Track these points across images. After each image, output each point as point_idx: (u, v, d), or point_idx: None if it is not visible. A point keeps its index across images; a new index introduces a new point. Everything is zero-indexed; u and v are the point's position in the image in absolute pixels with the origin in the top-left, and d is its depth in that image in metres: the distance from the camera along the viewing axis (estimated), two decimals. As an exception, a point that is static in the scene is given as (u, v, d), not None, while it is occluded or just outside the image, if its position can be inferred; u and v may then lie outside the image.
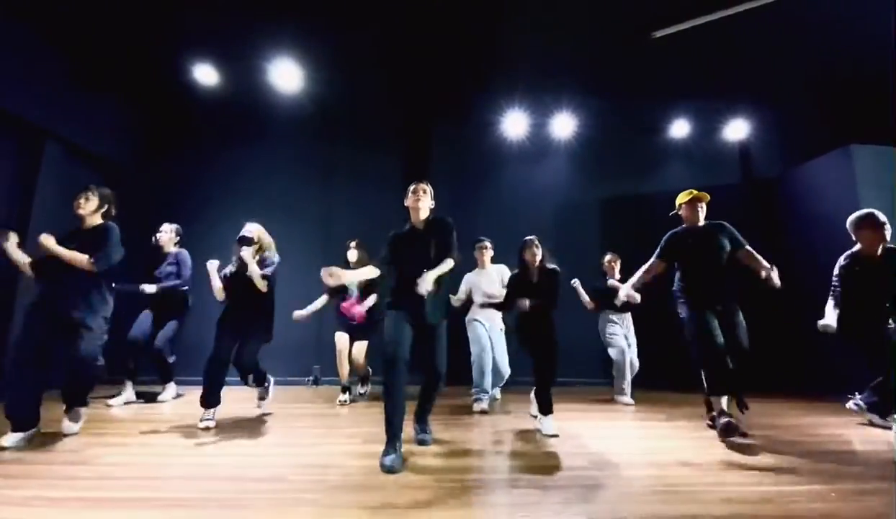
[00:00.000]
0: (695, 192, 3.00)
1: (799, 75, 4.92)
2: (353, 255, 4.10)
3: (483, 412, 3.58)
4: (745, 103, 5.46)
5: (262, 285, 3.10)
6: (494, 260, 4.15)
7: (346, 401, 3.91)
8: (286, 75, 4.70)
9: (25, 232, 3.99)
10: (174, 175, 5.28)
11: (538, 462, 2.24)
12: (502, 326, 4.06)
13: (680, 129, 5.69)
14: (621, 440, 2.75)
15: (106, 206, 2.89)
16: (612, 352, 4.26)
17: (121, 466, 2.12)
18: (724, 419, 2.70)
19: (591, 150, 5.72)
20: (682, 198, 3.06)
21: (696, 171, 5.77)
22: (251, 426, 3.00)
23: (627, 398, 4.13)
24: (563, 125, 5.54)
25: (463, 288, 4.10)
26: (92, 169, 4.79)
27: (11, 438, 2.39)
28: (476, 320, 4.02)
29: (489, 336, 3.96)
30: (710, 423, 2.97)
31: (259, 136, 5.52)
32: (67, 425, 2.66)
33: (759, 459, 2.28)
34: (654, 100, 5.40)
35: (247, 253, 3.10)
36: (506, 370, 3.93)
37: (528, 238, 3.16)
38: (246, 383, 3.39)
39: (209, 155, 5.45)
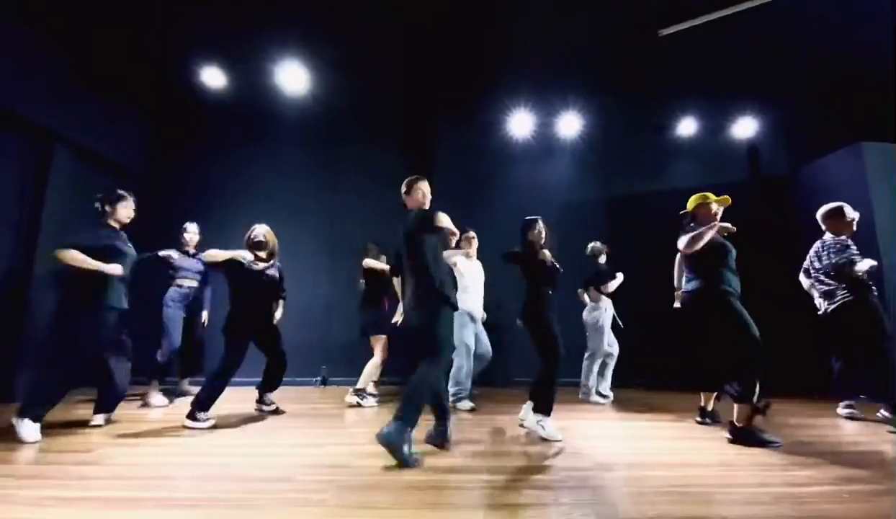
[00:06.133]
0: (710, 195, 2.91)
1: (808, 72, 4.86)
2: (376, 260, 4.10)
3: (472, 410, 3.63)
4: (753, 101, 5.39)
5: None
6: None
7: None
8: (292, 77, 4.74)
9: (36, 235, 4.05)
10: (182, 177, 5.32)
11: (545, 463, 2.23)
12: (484, 314, 4.14)
13: (687, 127, 5.64)
14: (628, 441, 2.74)
15: None
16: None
17: (131, 466, 2.14)
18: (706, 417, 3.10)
19: (598, 149, 5.69)
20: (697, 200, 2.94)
21: (704, 169, 5.72)
22: (259, 426, 3.02)
23: (593, 394, 4.13)
24: (569, 124, 5.51)
25: (453, 259, 3.94)
26: (101, 172, 4.84)
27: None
28: (467, 314, 3.98)
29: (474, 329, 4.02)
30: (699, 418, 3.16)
31: (266, 138, 5.56)
32: None
33: (768, 460, 2.25)
34: (660, 98, 5.36)
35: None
36: (490, 352, 4.02)
37: (532, 217, 3.13)
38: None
39: (216, 156, 5.49)
